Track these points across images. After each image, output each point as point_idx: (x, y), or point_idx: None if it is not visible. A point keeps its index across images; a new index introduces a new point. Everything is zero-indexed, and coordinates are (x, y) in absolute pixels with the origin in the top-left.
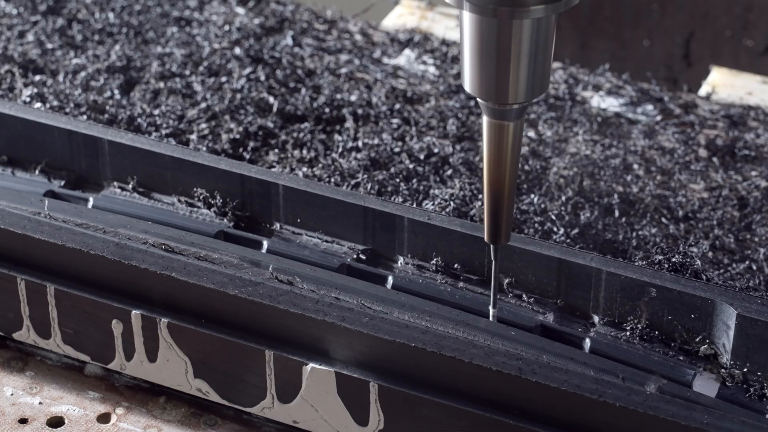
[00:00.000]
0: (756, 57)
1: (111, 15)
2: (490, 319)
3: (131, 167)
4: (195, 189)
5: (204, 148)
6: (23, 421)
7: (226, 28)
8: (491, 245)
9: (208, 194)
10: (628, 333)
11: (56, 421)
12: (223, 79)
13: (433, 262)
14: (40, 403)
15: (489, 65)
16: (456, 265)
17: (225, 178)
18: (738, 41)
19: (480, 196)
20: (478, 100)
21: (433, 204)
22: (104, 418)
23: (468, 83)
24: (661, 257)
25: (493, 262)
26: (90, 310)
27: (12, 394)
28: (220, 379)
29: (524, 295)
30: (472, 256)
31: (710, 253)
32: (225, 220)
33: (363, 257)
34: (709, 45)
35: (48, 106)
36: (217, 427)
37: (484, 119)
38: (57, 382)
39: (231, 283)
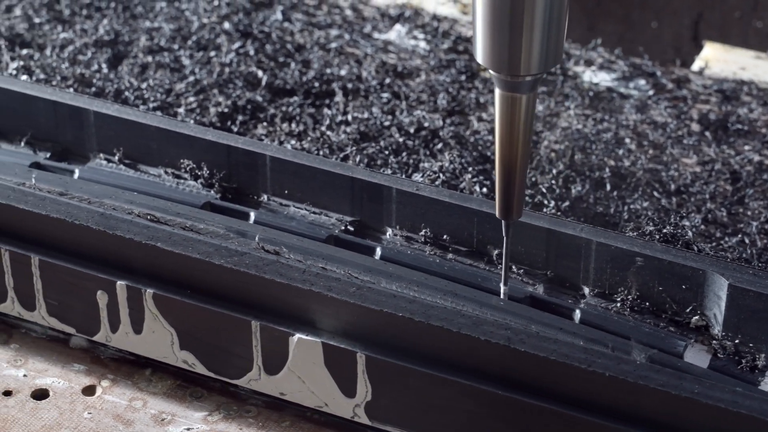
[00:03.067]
0: (765, 38)
1: None
2: (501, 296)
3: (117, 138)
4: (181, 160)
5: (191, 122)
6: (7, 393)
7: (215, 2)
8: (503, 221)
9: (194, 165)
10: (618, 304)
11: (41, 394)
12: (212, 53)
13: (422, 233)
14: (25, 375)
15: (502, 36)
16: (445, 237)
17: (212, 149)
18: (747, 22)
19: (470, 169)
20: (490, 72)
21: (422, 176)
22: (89, 391)
23: (480, 54)
24: (652, 228)
25: (505, 238)
26: (74, 282)
27: None
28: (206, 350)
29: (513, 267)
30: (460, 227)
31: (702, 227)
32: (212, 192)
33: (351, 228)
34: (718, 26)
35: (34, 79)
36: (204, 400)
37: (497, 92)
38: (41, 354)
39: (216, 253)
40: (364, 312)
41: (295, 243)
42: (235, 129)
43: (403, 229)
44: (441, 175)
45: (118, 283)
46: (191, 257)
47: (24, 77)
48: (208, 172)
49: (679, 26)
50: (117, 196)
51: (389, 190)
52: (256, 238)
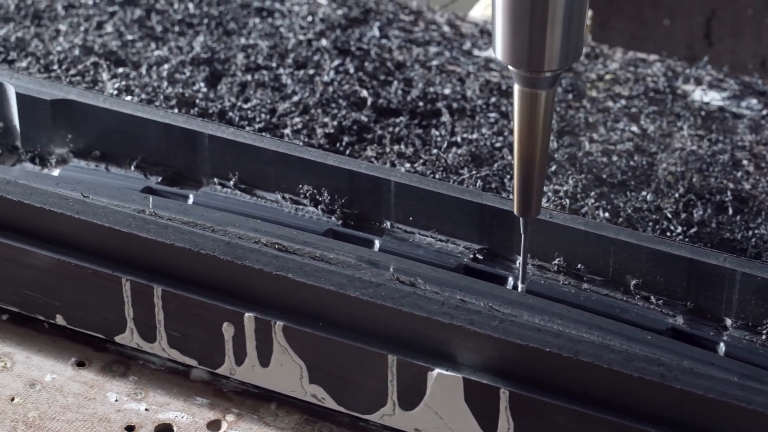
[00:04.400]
0: None
1: (191, 5)
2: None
3: (232, 163)
4: (300, 185)
5: (300, 143)
6: (130, 428)
7: (309, 18)
8: (521, 218)
9: (315, 191)
10: (764, 337)
11: (164, 428)
12: (312, 71)
13: (555, 262)
14: (147, 409)
15: (522, 31)
16: (579, 266)
17: (332, 174)
18: (760, 20)
19: (591, 193)
20: (510, 67)
21: (547, 202)
22: (215, 425)
23: (499, 50)
24: None
25: (522, 235)
26: (199, 313)
27: (116, 400)
28: (337, 384)
29: (652, 297)
30: (595, 256)
31: None
32: (333, 218)
33: (480, 257)
34: (731, 24)
35: (137, 99)
36: None
37: (516, 88)
38: (162, 387)
39: (350, 284)
40: (508, 347)
41: (430, 273)
42: (346, 151)
43: (535, 258)
44: (566, 199)
45: (246, 315)
46: (324, 289)
47: (128, 98)
48: (328, 197)
49: (691, 24)
50: (241, 224)
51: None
52: (391, 269)
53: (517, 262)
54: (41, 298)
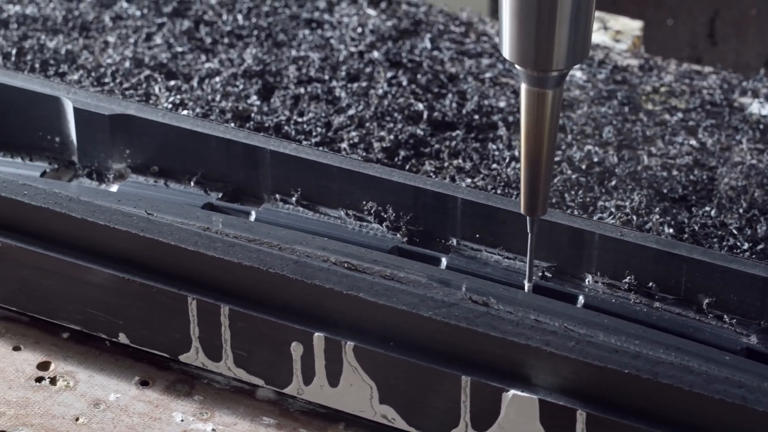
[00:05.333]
0: None
1: (240, 17)
2: (525, 291)
3: (294, 179)
4: (365, 202)
5: (358, 158)
6: None
7: (359, 30)
8: (528, 218)
9: (379, 207)
10: None
11: None
12: (365, 83)
13: (626, 280)
14: (213, 429)
15: (529, 30)
16: (650, 284)
17: (397, 190)
18: (764, 20)
19: (656, 209)
20: (516, 66)
21: (613, 218)
22: None
23: (506, 49)
24: None
25: (530, 234)
26: (267, 332)
27: (182, 420)
28: (408, 405)
29: (725, 317)
30: (667, 274)
31: None
32: (398, 235)
33: (548, 275)
34: (734, 24)
35: (193, 113)
36: None
37: (523, 87)
38: (228, 407)
39: (423, 304)
40: (585, 368)
41: (502, 292)
42: (405, 166)
43: (605, 276)
44: (633, 216)
45: (316, 334)
46: (396, 308)
47: (184, 112)
48: (393, 214)
49: (694, 24)
50: (308, 242)
51: (591, 235)
52: (463, 288)
53: (527, 264)
54: (104, 317)
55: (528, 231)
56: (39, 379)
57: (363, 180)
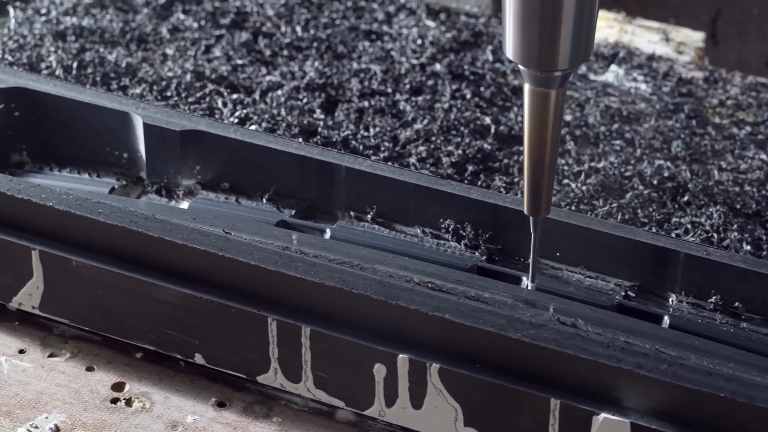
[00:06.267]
0: None
1: (298, 28)
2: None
3: (369, 196)
4: (442, 219)
5: (428, 173)
6: None
7: (419, 41)
8: (531, 218)
9: (458, 225)
10: None
11: None
12: (428, 96)
13: (711, 300)
14: None
15: (532, 30)
16: (737, 304)
17: (475, 207)
18: (765, 20)
19: (734, 226)
20: (520, 67)
21: (691, 236)
22: None
23: (510, 49)
24: None
25: (533, 235)
26: (349, 353)
27: None
28: (493, 427)
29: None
30: (754, 293)
31: None
32: (477, 254)
33: (632, 294)
34: (736, 23)
35: (259, 128)
36: None
37: (526, 87)
38: (307, 428)
39: (510, 325)
40: (678, 391)
41: (589, 313)
42: (477, 182)
43: (689, 296)
44: (714, 233)
45: (400, 356)
46: (483, 330)
47: (253, 127)
48: (472, 232)
49: (696, 23)
50: (389, 261)
51: (676, 254)
52: (551, 309)
53: (530, 264)
54: (180, 337)
55: (531, 231)
56: (114, 401)
57: (440, 197)
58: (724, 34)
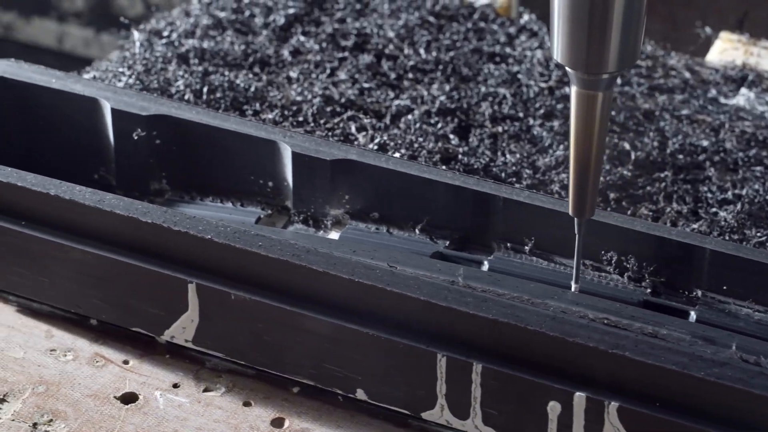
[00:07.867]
0: None
1: (422, 51)
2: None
3: (527, 227)
4: (603, 251)
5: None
6: None
7: (545, 64)
8: (576, 220)
9: (622, 258)
10: None
11: None
12: (561, 121)
13: None
14: None
15: (581, 33)
16: None
17: (639, 239)
18: None
19: None
20: (567, 69)
21: None
22: None
23: (558, 52)
24: None
25: (577, 236)
26: (522, 391)
27: None
28: None
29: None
30: None
31: None
32: (642, 287)
33: None
34: (764, 25)
35: (397, 155)
36: None
37: (573, 89)
38: None
39: (693, 363)
40: None
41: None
42: (628, 211)
43: None
44: None
45: (576, 394)
46: (665, 368)
47: (396, 154)
48: (636, 264)
49: (724, 24)
50: (560, 296)
51: None
52: (733, 347)
53: (574, 266)
54: (341, 372)
55: (576, 233)
56: None
57: (602, 229)
58: (753, 34)
